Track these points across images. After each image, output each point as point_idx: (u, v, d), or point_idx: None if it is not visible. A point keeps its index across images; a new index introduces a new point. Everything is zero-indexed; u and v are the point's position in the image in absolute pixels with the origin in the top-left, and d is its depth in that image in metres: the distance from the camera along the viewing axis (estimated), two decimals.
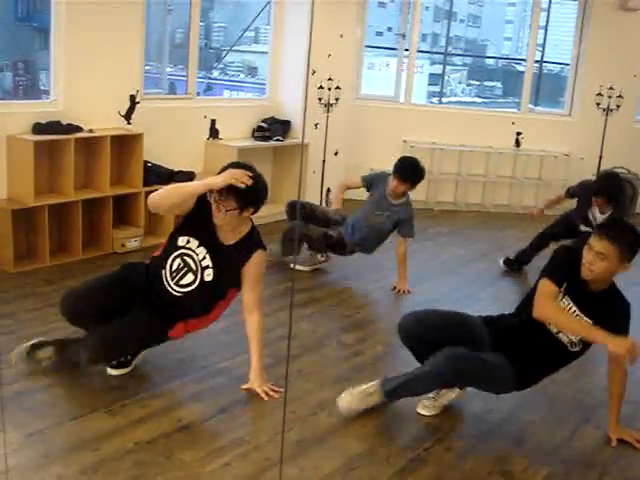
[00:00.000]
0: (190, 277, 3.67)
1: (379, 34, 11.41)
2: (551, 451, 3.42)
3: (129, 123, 6.13)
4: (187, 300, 3.71)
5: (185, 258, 3.68)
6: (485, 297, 5.61)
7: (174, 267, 3.69)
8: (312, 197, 7.93)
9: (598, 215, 6.02)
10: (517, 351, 3.43)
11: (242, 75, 11.25)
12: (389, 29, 10.80)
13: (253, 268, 3.70)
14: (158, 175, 6.17)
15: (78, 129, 5.62)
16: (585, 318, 3.34)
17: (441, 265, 6.37)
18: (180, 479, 2.97)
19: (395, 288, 5.47)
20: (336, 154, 8.07)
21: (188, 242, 3.68)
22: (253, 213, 3.74)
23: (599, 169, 8.99)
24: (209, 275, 3.67)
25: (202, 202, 3.60)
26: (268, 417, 3.51)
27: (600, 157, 8.98)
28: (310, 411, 3.61)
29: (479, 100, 12.84)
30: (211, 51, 10.60)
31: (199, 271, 3.67)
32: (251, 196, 3.59)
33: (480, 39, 14.11)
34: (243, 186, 3.44)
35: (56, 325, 4.38)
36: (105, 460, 3.05)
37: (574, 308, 3.36)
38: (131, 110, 6.13)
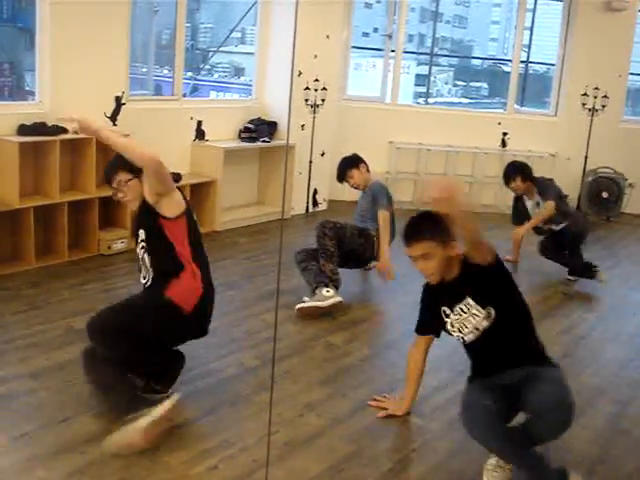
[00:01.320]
0: (145, 258, 3.60)
1: (365, 35, 11.41)
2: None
3: (115, 124, 6.11)
4: (153, 271, 3.58)
5: (138, 252, 3.65)
6: None
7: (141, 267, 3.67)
8: (298, 198, 7.93)
9: (529, 203, 6.29)
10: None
11: (228, 76, 11.22)
12: (375, 30, 10.79)
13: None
14: None
15: (64, 131, 5.59)
16: (467, 300, 3.10)
17: None
18: None
19: (373, 268, 5.60)
20: (323, 155, 8.07)
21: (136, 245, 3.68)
22: (139, 177, 3.57)
23: (585, 169, 9.05)
24: (143, 234, 3.59)
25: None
26: (255, 419, 3.49)
27: (586, 157, 9.04)
28: (297, 413, 3.60)
29: (465, 101, 12.85)
30: (197, 52, 10.56)
31: (142, 247, 3.61)
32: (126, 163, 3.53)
33: (466, 40, 14.13)
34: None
35: (41, 328, 4.38)
36: (91, 463, 3.03)
37: (469, 305, 3.10)
38: (117, 111, 6.11)
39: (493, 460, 3.06)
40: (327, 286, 4.98)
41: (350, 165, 5.63)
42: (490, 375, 3.12)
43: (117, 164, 3.63)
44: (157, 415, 3.15)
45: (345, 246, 5.28)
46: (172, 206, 3.55)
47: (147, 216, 3.56)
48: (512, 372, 3.03)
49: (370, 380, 4.06)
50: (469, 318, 3.12)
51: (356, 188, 5.65)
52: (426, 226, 3.11)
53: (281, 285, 5.38)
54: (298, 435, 3.40)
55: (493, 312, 3.06)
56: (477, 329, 3.10)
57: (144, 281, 3.63)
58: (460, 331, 3.18)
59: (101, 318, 3.42)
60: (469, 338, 3.15)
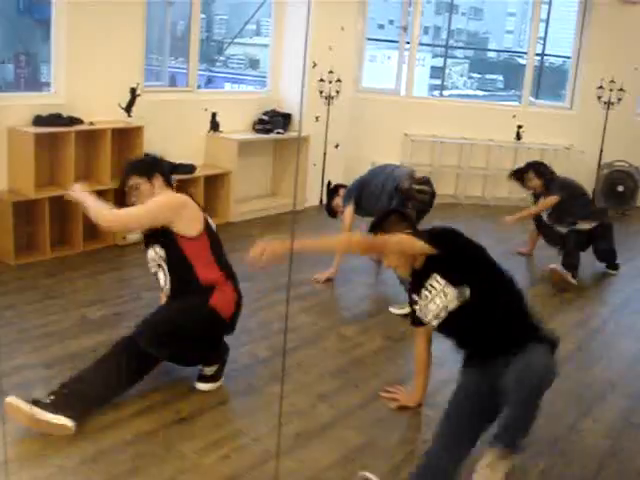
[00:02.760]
0: (161, 274, 3.64)
1: (381, 27, 11.38)
2: (550, 444, 3.42)
3: (130, 116, 6.13)
4: (173, 286, 3.61)
5: (149, 255, 3.67)
6: None
7: (153, 270, 3.68)
8: (313, 190, 7.94)
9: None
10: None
11: (243, 68, 11.23)
12: (391, 22, 10.76)
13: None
14: None
15: (79, 122, 5.63)
16: (432, 281, 3.07)
17: None
18: (179, 471, 2.98)
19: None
20: (337, 147, 8.07)
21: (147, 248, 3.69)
22: (150, 180, 3.64)
23: (600, 162, 9.01)
24: (161, 252, 3.58)
25: None
26: (267, 409, 3.51)
27: (601, 150, 9.01)
28: (309, 403, 3.62)
29: (480, 93, 12.81)
30: (212, 44, 10.58)
31: (158, 264, 3.63)
32: (143, 167, 3.67)
33: (482, 32, 14.05)
34: None
35: (55, 317, 4.41)
36: (105, 451, 3.07)
37: (434, 285, 3.07)
38: (132, 103, 6.13)
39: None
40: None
41: (331, 196, 5.74)
42: (474, 362, 3.06)
43: (128, 168, 3.69)
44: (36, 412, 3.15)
45: None
46: (189, 224, 3.53)
47: (164, 233, 3.53)
48: (496, 361, 2.89)
49: (382, 371, 4.07)
50: (435, 300, 3.07)
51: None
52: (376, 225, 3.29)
53: (294, 277, 5.40)
54: (310, 426, 3.41)
55: (467, 292, 2.98)
56: (446, 308, 3.03)
57: (164, 287, 3.67)
58: (426, 316, 3.16)
59: (151, 330, 3.42)
60: (436, 322, 3.11)
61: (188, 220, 3.52)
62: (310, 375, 3.93)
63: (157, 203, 3.51)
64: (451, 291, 3.01)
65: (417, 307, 3.22)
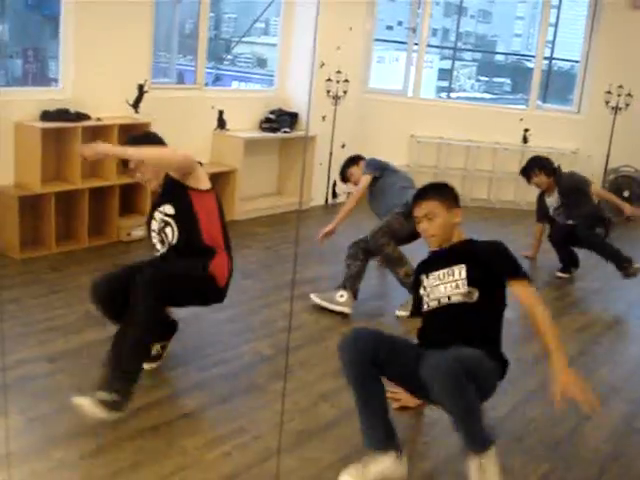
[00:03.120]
0: (168, 230, 3.62)
1: (389, 28, 11.39)
2: (551, 447, 3.42)
3: (137, 112, 6.13)
4: (180, 244, 3.62)
5: (152, 226, 3.68)
6: None
7: (155, 241, 3.68)
8: (318, 189, 7.95)
9: (548, 200, 6.30)
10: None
11: (250, 66, 11.24)
12: (399, 23, 10.77)
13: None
14: None
15: (86, 117, 5.64)
16: (455, 268, 3.10)
17: None
18: (180, 466, 2.98)
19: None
20: (343, 147, 8.06)
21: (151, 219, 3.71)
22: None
23: (606, 167, 9.00)
24: (170, 209, 3.61)
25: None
26: (269, 407, 3.51)
27: (608, 155, 8.98)
28: (311, 402, 3.62)
29: (488, 96, 12.81)
30: (220, 42, 10.60)
31: (164, 221, 3.63)
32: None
33: (490, 35, 14.06)
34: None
35: (60, 312, 4.42)
36: (107, 446, 3.07)
37: (453, 273, 3.10)
38: (139, 99, 6.14)
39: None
40: (344, 289, 4.96)
41: (349, 164, 5.69)
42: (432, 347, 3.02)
43: (129, 144, 3.67)
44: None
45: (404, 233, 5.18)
46: (201, 179, 3.65)
47: (174, 189, 3.60)
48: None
49: None
50: (445, 285, 3.12)
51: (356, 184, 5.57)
52: (434, 190, 3.30)
53: (298, 275, 5.41)
54: (312, 424, 3.41)
55: (476, 295, 3.06)
56: (448, 298, 3.09)
57: (162, 251, 3.66)
58: (429, 295, 3.18)
59: (151, 276, 3.35)
60: (433, 304, 3.14)
61: (201, 174, 3.66)
62: (312, 374, 3.93)
63: (186, 153, 3.61)
64: (463, 287, 3.06)
65: (422, 289, 3.24)
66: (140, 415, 3.33)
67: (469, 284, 3.07)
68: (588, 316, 5.36)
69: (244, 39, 10.63)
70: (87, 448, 3.04)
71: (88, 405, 3.10)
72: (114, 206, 5.89)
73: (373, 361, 2.93)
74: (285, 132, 7.45)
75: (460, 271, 3.11)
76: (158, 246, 3.66)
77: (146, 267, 3.48)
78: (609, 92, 8.92)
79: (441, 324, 3.14)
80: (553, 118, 9.19)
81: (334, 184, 8.13)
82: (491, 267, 3.11)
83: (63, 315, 4.39)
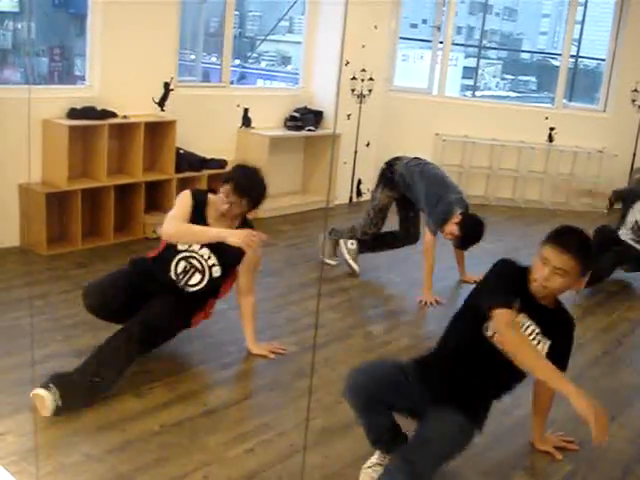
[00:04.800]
0: (198, 277, 3.77)
1: (414, 26, 11.37)
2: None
3: (163, 110, 6.17)
4: (199, 295, 3.81)
5: (190, 260, 3.77)
6: None
7: (179, 270, 3.77)
8: (343, 188, 7.95)
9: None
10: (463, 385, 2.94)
11: (275, 65, 11.27)
12: (424, 21, 10.76)
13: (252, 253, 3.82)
14: (190, 162, 6.23)
15: (112, 115, 5.68)
16: (545, 338, 2.96)
17: (469, 259, 6.32)
18: (204, 463, 3.00)
19: (421, 302, 5.18)
20: (368, 145, 8.06)
21: (190, 245, 3.77)
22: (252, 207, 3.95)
23: (632, 166, 8.93)
24: (217, 272, 3.80)
25: (197, 205, 3.81)
26: (293, 404, 3.53)
27: (634, 154, 8.92)
28: (335, 400, 3.62)
29: (513, 94, 12.75)
30: (245, 40, 10.63)
31: (206, 270, 3.78)
32: (259, 200, 3.87)
33: (515, 33, 14.00)
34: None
35: None
36: (131, 441, 3.10)
37: (533, 326, 2.95)
38: (165, 97, 6.18)
39: (373, 459, 3.05)
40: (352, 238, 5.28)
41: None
42: (437, 379, 2.96)
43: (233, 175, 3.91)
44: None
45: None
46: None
47: (231, 252, 3.73)
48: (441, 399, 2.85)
49: None
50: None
51: None
52: (583, 250, 2.93)
53: (323, 273, 5.42)
54: (335, 422, 3.42)
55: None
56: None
57: (193, 284, 3.80)
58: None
59: (140, 333, 3.51)
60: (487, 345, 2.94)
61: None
62: (336, 372, 3.93)
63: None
64: (541, 345, 2.96)
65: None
66: (164, 411, 3.36)
67: (538, 342, 2.96)
68: (612, 317, 5.32)
69: (269, 37, 10.66)
70: (112, 443, 3.07)
71: (48, 400, 3.18)
72: (140, 203, 5.93)
73: (375, 401, 2.95)
74: (310, 130, 7.45)
75: (544, 347, 2.95)
76: (170, 273, 3.78)
77: (137, 315, 3.57)
78: (635, 90, 8.86)
79: (476, 369, 2.95)
80: (579, 117, 9.13)
81: (359, 182, 8.13)
82: (556, 348, 2.98)
83: None
